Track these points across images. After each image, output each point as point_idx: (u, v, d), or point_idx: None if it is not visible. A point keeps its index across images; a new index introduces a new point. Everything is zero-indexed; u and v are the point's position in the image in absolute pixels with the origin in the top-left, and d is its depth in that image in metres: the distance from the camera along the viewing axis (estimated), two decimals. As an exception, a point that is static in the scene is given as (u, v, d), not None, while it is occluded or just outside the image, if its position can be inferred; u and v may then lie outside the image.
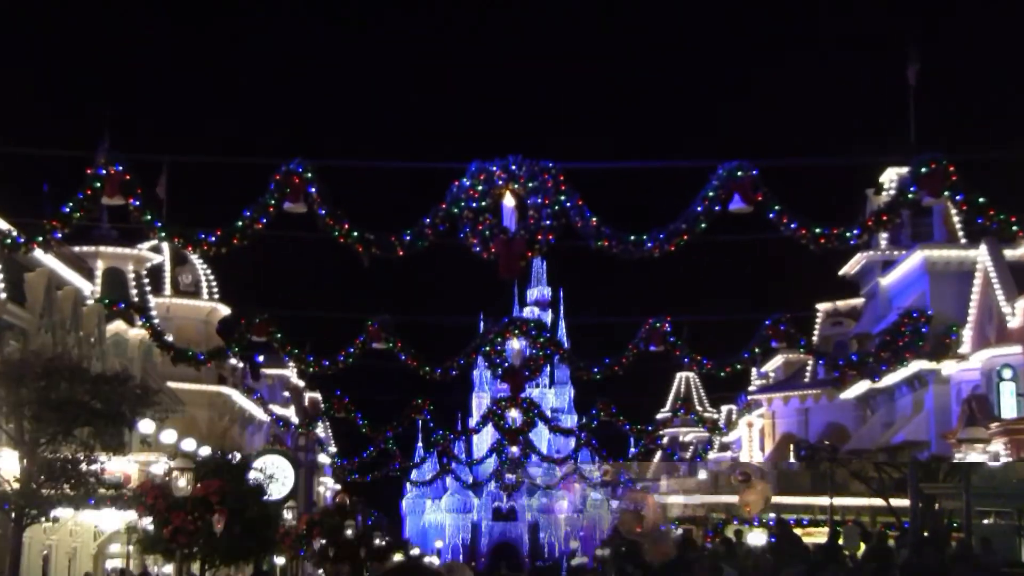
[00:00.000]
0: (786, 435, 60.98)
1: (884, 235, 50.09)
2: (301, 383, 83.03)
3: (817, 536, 35.87)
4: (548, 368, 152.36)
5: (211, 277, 59.25)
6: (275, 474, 39.75)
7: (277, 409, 63.70)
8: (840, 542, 28.30)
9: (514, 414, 47.07)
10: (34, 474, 26.72)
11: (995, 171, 22.29)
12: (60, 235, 21.53)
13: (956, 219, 46.95)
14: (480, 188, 20.70)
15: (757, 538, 36.75)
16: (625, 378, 36.69)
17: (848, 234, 20.73)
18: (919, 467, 37.41)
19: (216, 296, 59.14)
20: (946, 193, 20.05)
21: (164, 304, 56.16)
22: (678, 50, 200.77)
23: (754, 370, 66.12)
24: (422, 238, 20.96)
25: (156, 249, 52.93)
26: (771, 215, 20.53)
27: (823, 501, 40.02)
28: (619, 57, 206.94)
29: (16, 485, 26.67)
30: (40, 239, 21.52)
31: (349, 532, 55.87)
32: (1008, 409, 39.95)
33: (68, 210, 20.98)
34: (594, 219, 20.81)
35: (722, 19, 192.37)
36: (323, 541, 51.66)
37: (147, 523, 30.02)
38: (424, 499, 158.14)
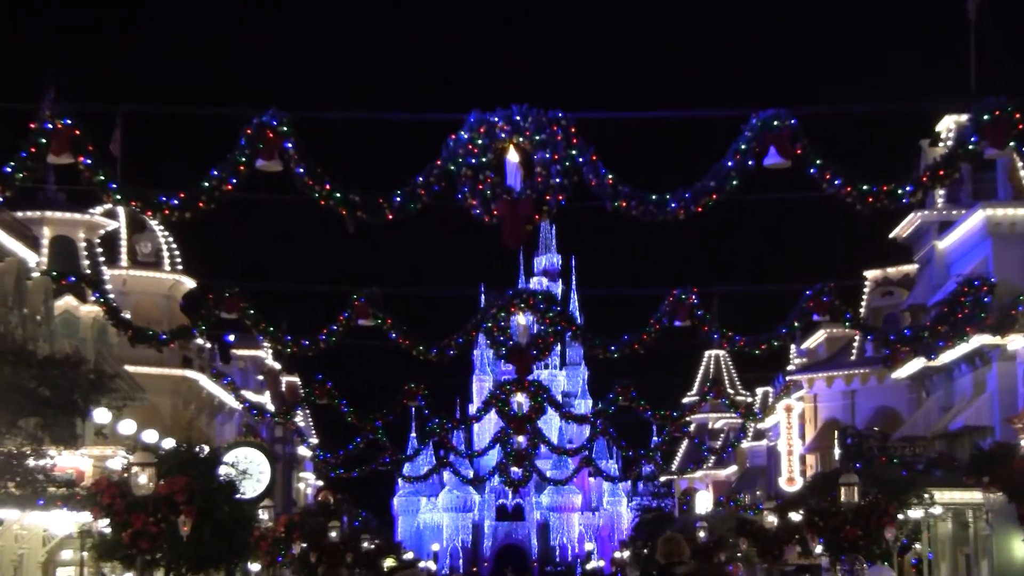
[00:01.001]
0: (830, 421, 61.01)
1: (941, 193, 49.99)
2: (277, 366, 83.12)
3: None
4: (559, 347, 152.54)
5: (174, 246, 59.22)
6: (249, 469, 39.80)
7: (250, 396, 63.80)
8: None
9: (520, 399, 47.12)
10: (-25, 471, 26.77)
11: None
12: (1, 199, 21.53)
13: (1023, 174, 46.88)
14: (480, 142, 20.68)
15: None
16: (646, 358, 36.78)
17: (900, 192, 20.72)
18: (981, 458, 37.43)
19: (179, 267, 59.14)
20: (1011, 144, 20.02)
21: (120, 277, 56.14)
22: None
23: (793, 347, 66.17)
24: (414, 200, 20.94)
25: (110, 214, 52.88)
26: (812, 171, 20.52)
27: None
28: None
29: (-45, 484, 26.73)
30: (-22, 204, 21.53)
31: (334, 535, 56.01)
32: (1083, 390, 39.92)
33: (10, 171, 20.96)
34: (610, 177, 20.79)
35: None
36: (304, 545, 51.79)
37: (103, 526, 30.06)
38: (418, 497, 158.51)
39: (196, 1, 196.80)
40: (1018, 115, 19.87)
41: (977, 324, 36.41)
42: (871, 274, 59.33)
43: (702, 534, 56.80)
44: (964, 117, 39.94)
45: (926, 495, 40.24)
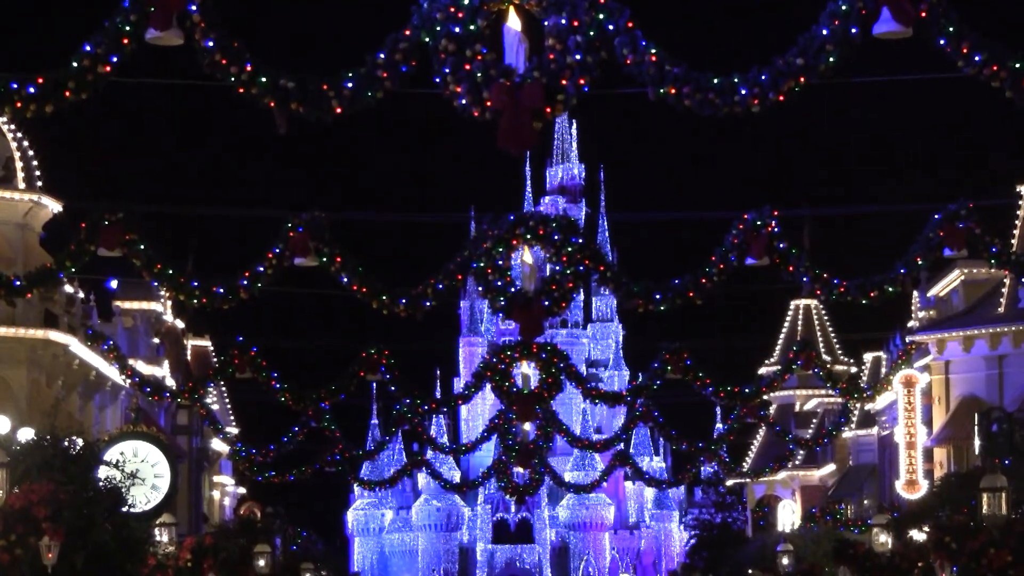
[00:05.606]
0: (967, 399, 61.19)
1: None
2: (181, 325, 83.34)
3: None
4: (581, 296, 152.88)
5: (30, 154, 59.34)
6: (140, 471, 39.98)
7: (142, 367, 63.95)
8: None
9: (527, 371, 47.27)
10: None
11: None
12: None
13: None
14: (467, 2, 20.71)
15: None
16: (706, 311, 36.83)
17: (1067, 71, 20.75)
18: None
19: (39, 185, 59.26)
20: None
21: (-45, 199, 56.40)
22: None
23: (916, 295, 66.30)
24: (373, 86, 20.96)
25: (-60, 109, 52.89)
26: (942, 42, 20.52)
27: None
28: None
29: None
30: None
31: (262, 563, 56.23)
32: None
33: None
34: (654, 52, 20.78)
35: None
36: (219, 579, 52.10)
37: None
38: (383, 510, 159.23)
39: None
40: None
41: None
42: (1027, 189, 59.52)
43: (786, 561, 57.13)
44: None
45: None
